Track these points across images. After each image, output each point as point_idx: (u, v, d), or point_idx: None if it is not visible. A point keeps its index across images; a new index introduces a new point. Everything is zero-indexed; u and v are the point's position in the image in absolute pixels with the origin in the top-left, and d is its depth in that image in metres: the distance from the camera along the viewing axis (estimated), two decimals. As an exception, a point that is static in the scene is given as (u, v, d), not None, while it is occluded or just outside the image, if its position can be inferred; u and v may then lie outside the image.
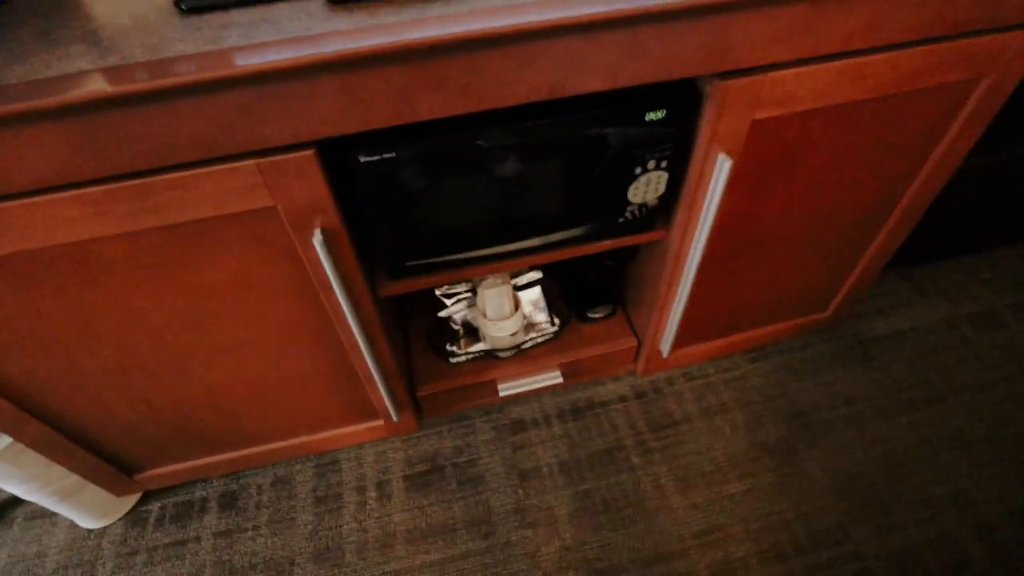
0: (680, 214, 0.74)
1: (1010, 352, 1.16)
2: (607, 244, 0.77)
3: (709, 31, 0.53)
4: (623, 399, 1.12)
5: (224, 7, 0.52)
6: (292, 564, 0.94)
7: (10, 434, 0.74)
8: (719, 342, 1.05)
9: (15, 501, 1.02)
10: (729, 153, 0.65)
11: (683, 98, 0.62)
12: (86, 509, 0.95)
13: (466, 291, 0.93)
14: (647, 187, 0.69)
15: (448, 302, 0.93)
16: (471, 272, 0.75)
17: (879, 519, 0.96)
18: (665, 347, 0.95)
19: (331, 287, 0.65)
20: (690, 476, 1.02)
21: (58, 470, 0.86)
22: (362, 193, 0.61)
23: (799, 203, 0.79)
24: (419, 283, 0.75)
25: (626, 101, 0.61)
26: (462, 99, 0.52)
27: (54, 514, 1.00)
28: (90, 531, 0.99)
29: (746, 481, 1.01)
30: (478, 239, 0.71)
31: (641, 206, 0.72)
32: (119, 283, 0.60)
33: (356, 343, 0.74)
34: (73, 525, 0.99)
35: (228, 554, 0.95)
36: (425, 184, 0.62)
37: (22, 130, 0.45)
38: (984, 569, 0.90)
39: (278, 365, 0.76)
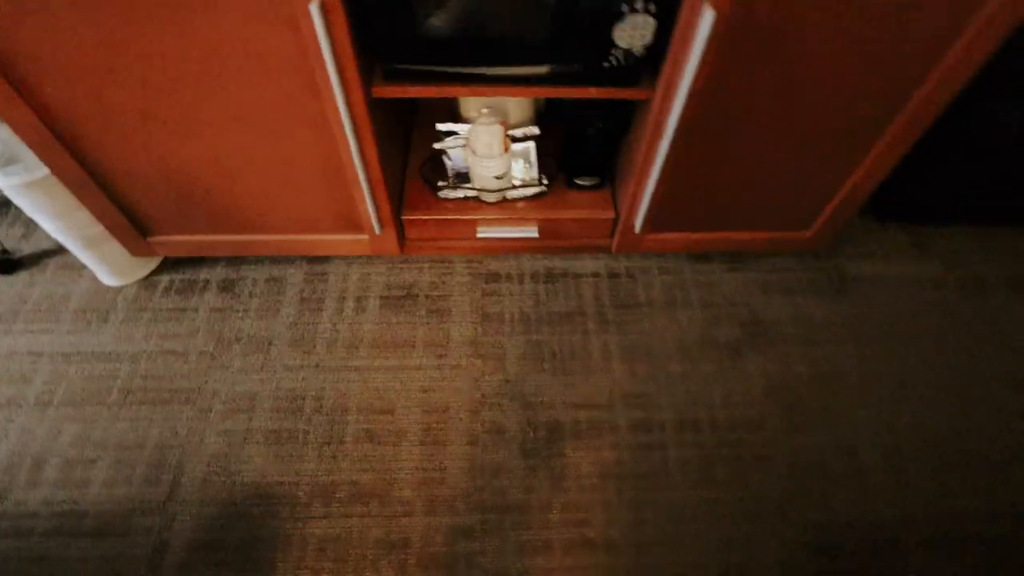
0: (665, 72, 0.77)
1: (986, 319, 1.17)
2: (591, 91, 0.81)
3: None
4: (596, 275, 1.19)
5: None
6: (270, 344, 1.08)
7: (47, 163, 0.86)
8: (695, 235, 1.09)
9: (51, 252, 1.18)
10: (715, 7, 0.67)
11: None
12: (107, 263, 1.09)
13: (463, 132, 0.99)
14: (633, 31, 0.72)
15: (445, 137, 0.99)
16: (459, 89, 0.80)
17: (796, 421, 1.03)
18: (638, 222, 1.01)
19: (325, 67, 0.72)
20: (637, 350, 1.10)
21: (84, 216, 0.99)
22: (362, -25, 0.66)
23: (788, 90, 0.80)
24: (412, 90, 0.81)
25: (622, -74, 0.63)
26: None
27: (82, 267, 1.16)
28: (109, 287, 1.14)
29: (687, 365, 1.08)
30: (467, 55, 0.76)
31: (627, 52, 0.75)
32: (146, 17, 0.68)
33: (345, 135, 0.81)
34: (95, 279, 1.14)
35: (219, 326, 1.10)
36: (422, -21, 0.66)
37: None
38: (879, 480, 0.97)
39: (276, 145, 0.85)
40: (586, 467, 0.97)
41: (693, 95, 0.77)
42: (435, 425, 0.99)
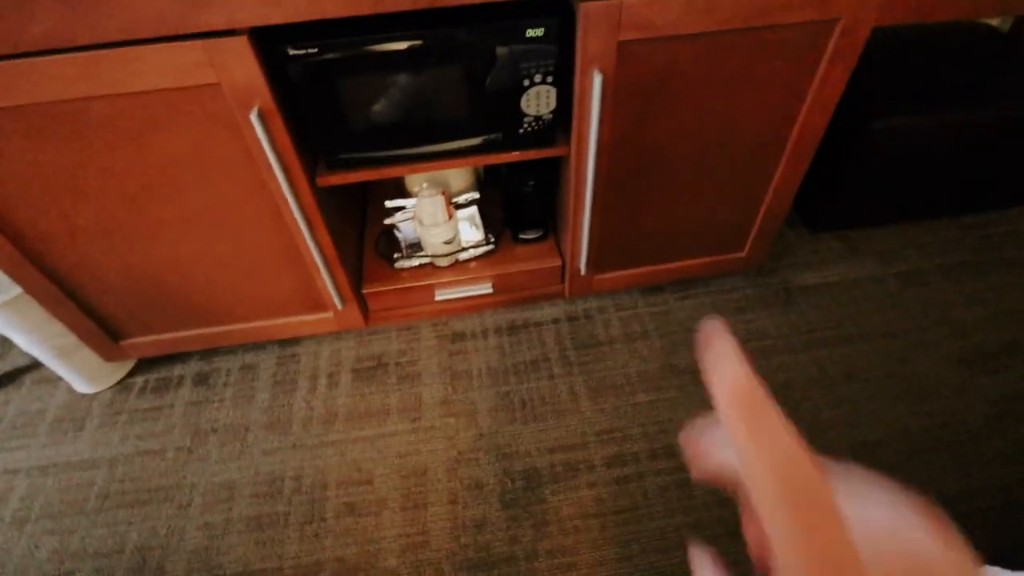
0: (574, 129, 0.87)
1: (927, 305, 1.24)
2: (514, 155, 0.90)
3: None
4: (556, 321, 1.24)
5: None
6: (247, 431, 1.10)
7: (18, 281, 0.91)
8: (640, 270, 1.16)
9: (24, 368, 1.21)
10: (602, 70, 0.77)
11: (557, 17, 0.75)
12: (81, 371, 1.12)
13: (410, 206, 1.07)
14: (538, 100, 0.82)
15: (394, 212, 1.07)
16: (395, 170, 0.89)
17: (766, 432, 1.06)
18: (582, 266, 1.08)
19: (270, 166, 0.80)
20: (602, 387, 1.14)
21: (57, 327, 1.03)
22: (293, 82, 0.75)
23: (685, 129, 0.90)
24: (351, 176, 0.89)
25: (511, 17, 0.74)
26: (360, 1, 0.66)
27: (57, 378, 1.18)
28: (84, 395, 1.16)
29: (652, 394, 1.12)
30: (398, 139, 0.85)
31: (537, 119, 0.85)
32: (102, 143, 0.76)
33: (297, 224, 0.88)
34: (71, 389, 1.17)
35: (195, 419, 1.12)
36: (345, 79, 0.76)
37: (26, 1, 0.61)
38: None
39: (234, 240, 0.92)
40: (567, 509, 0.98)
41: (602, 146, 0.86)
42: (414, 489, 1.01)
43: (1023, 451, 1.02)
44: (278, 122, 0.77)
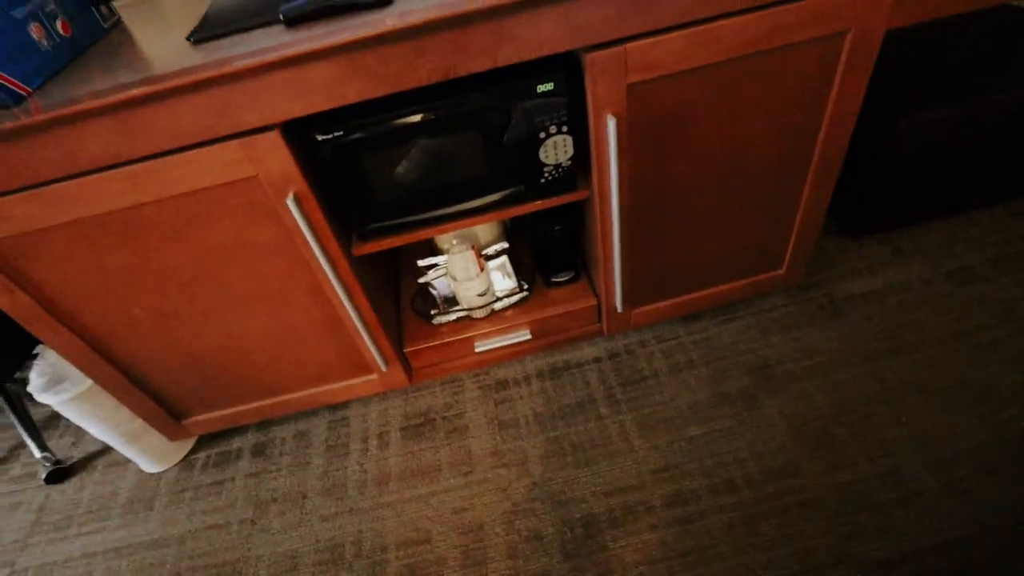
0: (594, 172, 0.88)
1: (985, 302, 1.18)
2: (538, 204, 0.92)
3: (560, 14, 0.68)
4: (597, 360, 1.24)
5: (217, 36, 0.73)
6: (305, 498, 1.12)
7: (88, 374, 0.97)
8: (678, 300, 1.15)
9: (97, 453, 1.27)
10: (615, 114, 0.79)
11: (565, 71, 0.77)
12: (148, 453, 1.18)
13: (442, 263, 1.10)
14: (555, 150, 0.84)
15: (427, 270, 1.10)
16: (426, 232, 0.92)
17: (831, 457, 1.01)
18: (618, 302, 1.07)
19: (308, 243, 0.84)
20: (653, 423, 1.11)
21: (124, 413, 1.09)
22: (323, 165, 0.80)
23: (705, 159, 0.90)
24: (385, 243, 0.93)
25: (520, 77, 0.77)
26: (378, 84, 0.70)
27: (126, 462, 1.24)
28: (151, 475, 1.21)
29: (705, 426, 1.09)
30: (425, 203, 0.88)
31: (557, 167, 0.87)
32: (155, 243, 0.82)
33: (337, 294, 0.92)
34: (139, 470, 1.22)
35: (255, 490, 1.15)
36: (371, 155, 0.80)
37: (84, 124, 0.67)
38: (935, 500, 0.94)
39: (280, 315, 0.96)
40: (630, 556, 0.95)
41: (623, 184, 0.87)
42: (472, 545, 1.00)
43: (1123, 454, 0.94)
44: (312, 203, 0.81)
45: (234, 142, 0.73)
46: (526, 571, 0.95)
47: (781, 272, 1.16)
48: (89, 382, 1.03)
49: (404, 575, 0.98)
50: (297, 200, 0.79)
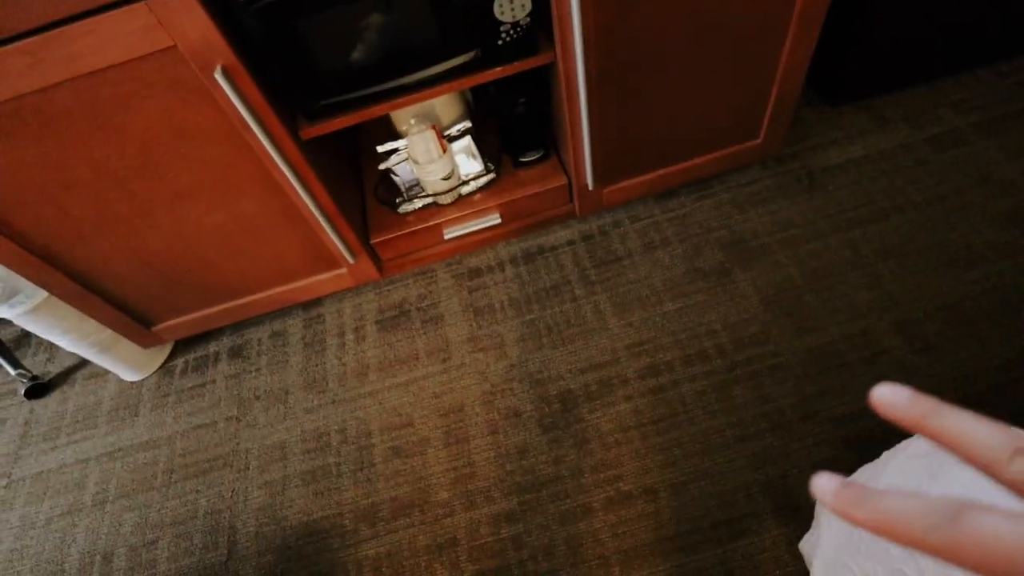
0: (557, 32, 0.80)
1: (965, 166, 1.15)
2: (497, 71, 0.85)
3: None
4: (571, 243, 1.21)
5: None
6: (287, 393, 1.13)
7: (38, 283, 0.93)
8: (651, 176, 1.11)
9: (75, 367, 1.26)
10: (576, -46, 0.70)
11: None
12: (125, 362, 1.17)
13: (402, 147, 1.03)
14: (511, 4, 0.75)
15: (387, 156, 1.04)
16: (377, 108, 0.85)
17: (801, 322, 1.03)
18: (589, 180, 1.03)
19: (248, 125, 0.77)
20: (627, 301, 1.11)
21: (91, 323, 1.06)
22: (251, 32, 0.71)
23: (676, 12, 0.82)
24: (334, 123, 0.85)
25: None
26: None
27: (105, 372, 1.23)
28: (132, 383, 1.22)
29: (679, 301, 1.10)
30: (373, 75, 0.80)
31: (515, 25, 0.78)
32: (77, 132, 0.74)
33: (289, 182, 0.86)
34: (119, 379, 1.22)
35: (237, 390, 1.16)
36: (305, 21, 0.71)
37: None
38: (900, 356, 0.97)
39: (232, 209, 0.91)
40: (606, 425, 0.99)
41: (589, 44, 0.79)
42: (454, 425, 1.03)
43: (1081, 302, 0.96)
44: (246, 79, 0.73)
45: (140, 4, 0.63)
46: (506, 445, 0.99)
47: (758, 141, 1.11)
48: (44, 293, 0.99)
49: (390, 456, 1.02)
50: (227, 74, 0.71)
